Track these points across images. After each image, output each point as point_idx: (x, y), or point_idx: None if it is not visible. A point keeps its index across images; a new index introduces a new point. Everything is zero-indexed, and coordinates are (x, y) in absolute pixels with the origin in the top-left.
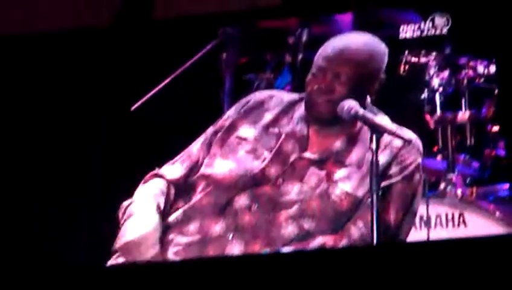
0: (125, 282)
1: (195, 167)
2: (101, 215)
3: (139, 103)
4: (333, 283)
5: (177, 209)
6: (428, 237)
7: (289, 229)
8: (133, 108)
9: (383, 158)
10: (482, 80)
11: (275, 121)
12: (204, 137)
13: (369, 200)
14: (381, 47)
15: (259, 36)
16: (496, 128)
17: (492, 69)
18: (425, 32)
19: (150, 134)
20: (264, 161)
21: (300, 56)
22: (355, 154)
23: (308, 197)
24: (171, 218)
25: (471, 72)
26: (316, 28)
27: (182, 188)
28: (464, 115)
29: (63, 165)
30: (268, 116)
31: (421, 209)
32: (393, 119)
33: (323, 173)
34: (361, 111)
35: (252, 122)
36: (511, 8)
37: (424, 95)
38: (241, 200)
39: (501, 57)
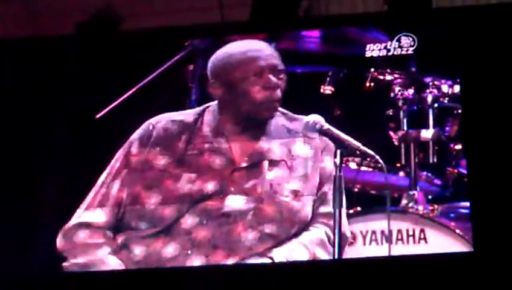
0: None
1: (119, 209)
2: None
3: (104, 111)
4: None
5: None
6: (389, 252)
7: (250, 237)
8: (97, 116)
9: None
10: (446, 99)
11: (188, 144)
12: (120, 178)
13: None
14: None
15: None
16: (458, 146)
17: (456, 88)
18: (391, 52)
19: (113, 144)
20: (194, 181)
21: None
22: (280, 151)
23: (259, 204)
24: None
25: (435, 91)
26: (283, 43)
27: (114, 228)
28: (427, 132)
29: (23, 174)
30: (179, 142)
31: (383, 225)
32: (358, 135)
33: (262, 178)
34: (326, 126)
35: (165, 152)
36: (475, 30)
37: (389, 112)
38: (190, 220)
39: (465, 77)
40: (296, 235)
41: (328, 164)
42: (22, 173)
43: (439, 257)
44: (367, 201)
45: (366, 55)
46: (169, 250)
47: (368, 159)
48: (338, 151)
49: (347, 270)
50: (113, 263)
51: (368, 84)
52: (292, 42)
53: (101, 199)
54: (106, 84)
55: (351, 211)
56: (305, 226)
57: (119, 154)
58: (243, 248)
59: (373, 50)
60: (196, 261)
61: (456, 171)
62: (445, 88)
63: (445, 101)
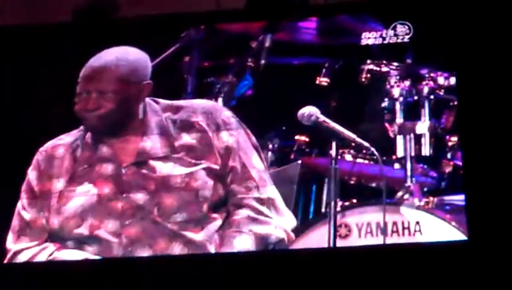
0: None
1: (40, 232)
2: None
3: None
4: (289, 285)
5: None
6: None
7: (169, 227)
8: None
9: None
10: (442, 91)
11: (76, 161)
12: (31, 207)
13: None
14: (139, 56)
15: (223, 40)
16: (454, 138)
17: (452, 80)
18: (387, 40)
19: None
20: (91, 192)
21: (262, 61)
22: (164, 145)
23: (159, 199)
24: None
25: (431, 83)
26: (279, 34)
27: None
28: (423, 125)
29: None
30: (67, 163)
31: (378, 217)
32: (354, 126)
33: (153, 174)
34: (321, 118)
35: (57, 177)
36: (471, 20)
37: (385, 103)
38: (110, 225)
39: (461, 69)
40: (210, 212)
41: (227, 138)
42: (19, 159)
43: (433, 245)
44: (362, 193)
45: (362, 43)
46: (114, 252)
47: (364, 151)
48: (334, 143)
49: (342, 259)
50: (67, 253)
51: (363, 76)
52: (288, 33)
53: (23, 229)
54: None
55: (346, 203)
56: (219, 204)
57: (23, 187)
58: (176, 233)
59: (368, 38)
60: (144, 254)
61: (452, 163)
62: (441, 80)
63: (441, 93)
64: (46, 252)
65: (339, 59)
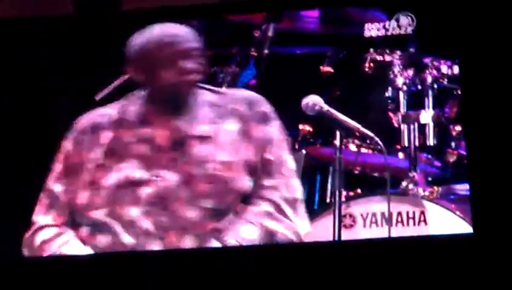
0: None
1: (65, 207)
2: None
3: (104, 92)
4: (294, 278)
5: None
6: (389, 234)
7: (191, 214)
8: (97, 98)
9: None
10: (446, 80)
11: (115, 135)
12: (62, 180)
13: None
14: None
15: (226, 30)
16: (458, 128)
17: (456, 69)
18: (390, 31)
19: None
20: (124, 171)
21: (265, 50)
22: (205, 127)
23: (191, 182)
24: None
25: (435, 72)
26: (282, 24)
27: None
28: (427, 114)
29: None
30: (107, 135)
31: (383, 207)
32: (357, 116)
33: (189, 156)
34: (325, 107)
35: (95, 147)
36: (474, 10)
37: (388, 93)
38: (132, 211)
39: (464, 58)
40: (237, 204)
41: (266, 131)
42: (21, 151)
43: (438, 238)
44: (367, 183)
45: (365, 35)
46: (129, 239)
47: (368, 141)
48: (338, 133)
49: (347, 251)
50: (78, 247)
51: (367, 65)
52: (291, 23)
53: (50, 203)
54: (104, 64)
55: (351, 193)
56: (246, 196)
57: (57, 158)
58: (191, 225)
59: (372, 29)
60: (154, 246)
61: (456, 152)
62: (444, 69)
63: (445, 82)
64: (58, 241)
65: (342, 48)
